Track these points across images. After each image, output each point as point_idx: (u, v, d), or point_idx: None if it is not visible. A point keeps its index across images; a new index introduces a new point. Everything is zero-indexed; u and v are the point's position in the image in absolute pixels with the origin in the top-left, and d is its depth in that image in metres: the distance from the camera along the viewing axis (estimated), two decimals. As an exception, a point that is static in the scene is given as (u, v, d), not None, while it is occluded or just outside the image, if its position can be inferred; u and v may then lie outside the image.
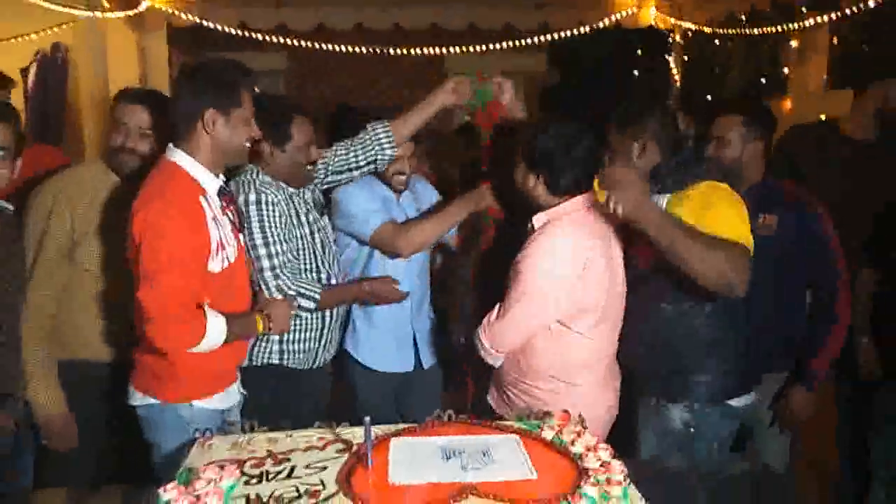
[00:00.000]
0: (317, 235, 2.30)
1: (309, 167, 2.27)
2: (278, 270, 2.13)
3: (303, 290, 2.15)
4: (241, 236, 1.98)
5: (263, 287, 2.12)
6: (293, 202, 2.26)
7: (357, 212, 2.39)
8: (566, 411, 1.76)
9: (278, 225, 2.16)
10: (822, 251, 2.25)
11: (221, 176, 1.92)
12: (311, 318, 2.28)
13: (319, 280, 2.28)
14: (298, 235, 2.24)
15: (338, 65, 7.20)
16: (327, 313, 2.31)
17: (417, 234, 2.35)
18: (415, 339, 2.50)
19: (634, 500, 1.35)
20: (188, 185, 1.81)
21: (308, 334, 2.29)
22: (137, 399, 1.90)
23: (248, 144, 1.90)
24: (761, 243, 1.94)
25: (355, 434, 1.65)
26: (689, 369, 2.00)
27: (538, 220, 1.99)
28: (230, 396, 1.99)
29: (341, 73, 7.42)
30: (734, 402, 2.02)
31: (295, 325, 2.23)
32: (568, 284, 1.90)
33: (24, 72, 5.05)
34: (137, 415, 1.92)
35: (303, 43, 5.79)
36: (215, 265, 1.82)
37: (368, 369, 2.47)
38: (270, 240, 2.13)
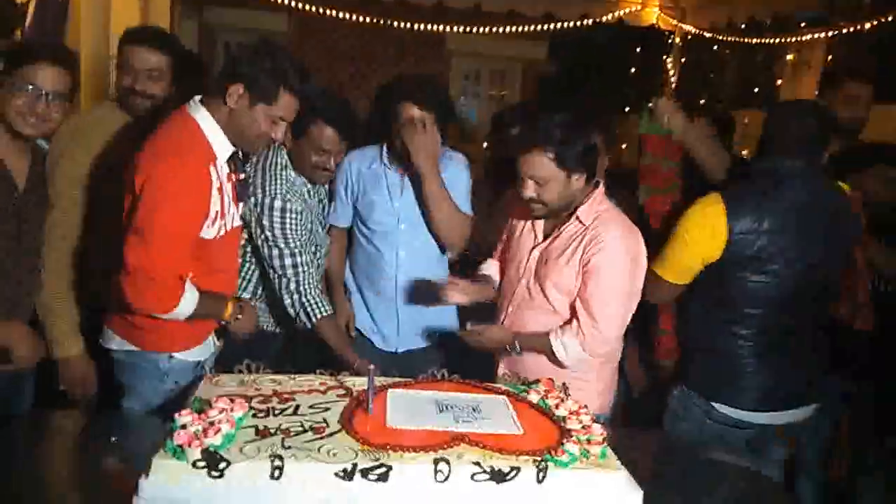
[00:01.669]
0: (318, 231, 2.39)
1: (323, 171, 2.30)
2: (302, 274, 2.22)
3: (311, 305, 2.23)
4: (241, 206, 2.03)
5: (283, 284, 2.22)
6: (310, 202, 2.34)
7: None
8: (550, 379, 1.89)
9: (301, 230, 2.24)
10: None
11: None
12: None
13: (317, 269, 2.35)
14: (312, 240, 2.32)
15: (340, 32, 7.19)
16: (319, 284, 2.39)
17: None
18: (398, 320, 2.44)
19: (612, 459, 1.48)
20: (203, 150, 1.80)
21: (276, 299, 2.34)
22: (115, 343, 1.95)
23: (267, 138, 1.89)
24: None
25: (355, 382, 1.76)
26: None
27: (586, 214, 1.98)
28: (207, 348, 2.05)
29: (342, 40, 7.41)
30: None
31: (264, 286, 2.34)
32: (643, 271, 1.99)
33: (22, 8, 4.99)
34: (112, 357, 1.97)
35: (307, 6, 5.80)
36: (210, 232, 1.84)
37: (360, 334, 2.53)
38: (296, 249, 2.21)
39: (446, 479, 1.37)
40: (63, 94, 1.81)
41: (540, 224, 2.10)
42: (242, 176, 2.00)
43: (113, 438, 1.61)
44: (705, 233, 2.00)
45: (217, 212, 1.84)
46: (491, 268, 2.34)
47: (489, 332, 2.06)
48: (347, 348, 2.29)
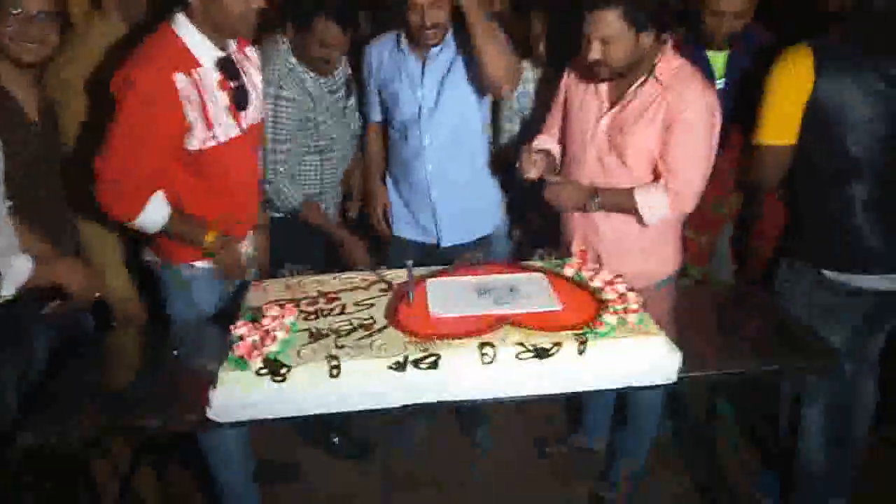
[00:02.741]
0: (321, 126, 2.32)
1: (325, 64, 2.24)
2: (277, 167, 2.23)
3: (284, 193, 2.28)
4: (244, 114, 1.93)
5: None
6: (311, 94, 2.27)
7: None
8: (583, 250, 1.93)
9: (289, 121, 2.21)
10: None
11: (233, 45, 1.90)
12: (307, 172, 2.37)
13: (319, 164, 2.37)
14: (305, 126, 2.28)
15: None
16: (325, 179, 2.41)
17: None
18: (434, 210, 2.37)
19: (649, 323, 1.54)
20: (169, 58, 1.75)
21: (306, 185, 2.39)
22: (148, 255, 2.04)
23: (250, 17, 1.80)
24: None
25: (395, 275, 1.82)
26: None
27: (664, 72, 1.89)
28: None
29: None
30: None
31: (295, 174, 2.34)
32: (719, 125, 1.92)
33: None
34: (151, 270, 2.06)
35: None
36: (193, 143, 1.80)
37: (395, 236, 2.50)
38: (279, 137, 2.21)
39: (492, 360, 1.45)
40: (52, 13, 1.75)
41: (603, 92, 1.99)
42: (236, 84, 1.90)
43: (174, 352, 1.72)
44: (792, 77, 1.86)
45: (197, 120, 1.79)
46: (547, 142, 2.23)
47: (565, 189, 2.00)
48: (335, 227, 2.40)
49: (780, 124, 1.89)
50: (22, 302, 1.53)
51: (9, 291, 1.47)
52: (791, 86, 1.84)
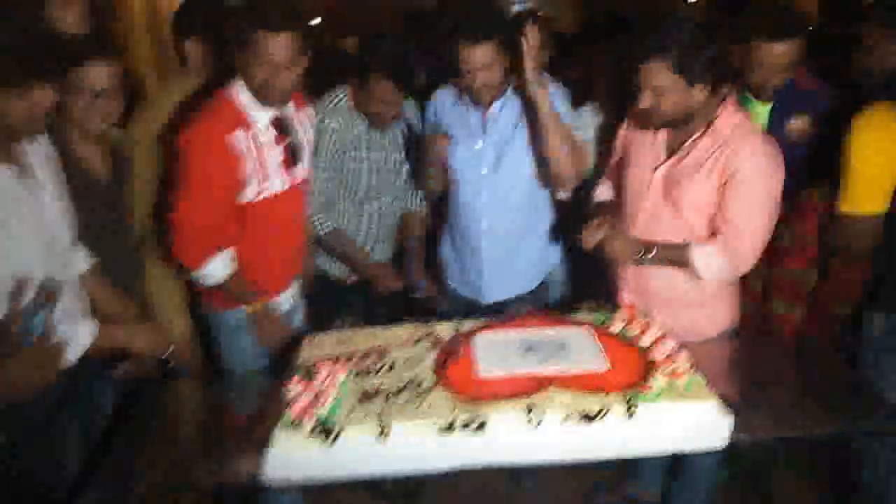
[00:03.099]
0: (364, 171, 2.39)
1: (387, 119, 2.32)
2: (315, 195, 2.30)
3: (316, 221, 2.34)
4: (296, 169, 2.08)
5: None
6: (359, 135, 2.35)
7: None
8: (632, 304, 1.91)
9: (330, 152, 2.30)
10: None
11: (291, 106, 2.04)
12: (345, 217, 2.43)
13: (360, 214, 2.44)
14: (348, 166, 2.36)
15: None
16: (362, 229, 2.47)
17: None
18: (482, 267, 2.35)
19: (699, 387, 1.52)
20: (226, 118, 1.90)
21: None
22: (202, 307, 2.17)
23: (268, 88, 1.89)
24: (795, 149, 2.06)
25: (442, 329, 1.85)
26: None
27: (723, 126, 1.87)
28: (281, 304, 2.19)
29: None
30: None
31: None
32: (781, 183, 1.88)
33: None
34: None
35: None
36: (248, 195, 1.96)
37: (445, 284, 2.52)
38: (319, 164, 2.29)
39: (539, 424, 1.46)
40: (117, 87, 1.86)
41: (661, 142, 1.98)
42: (289, 140, 2.04)
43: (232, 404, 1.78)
44: (882, 141, 1.82)
45: (254, 172, 1.95)
46: (607, 192, 2.25)
47: (619, 241, 1.95)
48: (359, 257, 2.43)
49: (872, 192, 1.85)
50: (88, 362, 1.61)
51: (73, 357, 1.55)
52: (882, 150, 1.80)
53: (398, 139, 2.49)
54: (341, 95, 2.35)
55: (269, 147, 1.99)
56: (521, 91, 2.18)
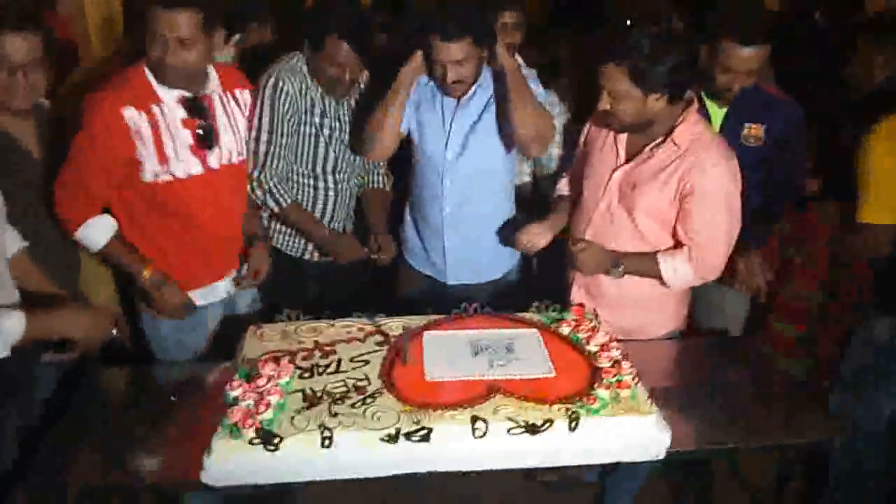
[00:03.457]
0: (322, 141, 2.28)
1: (340, 85, 2.21)
2: (265, 158, 2.16)
3: (273, 191, 2.20)
4: (211, 154, 1.96)
5: (249, 168, 2.16)
6: (314, 101, 2.24)
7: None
8: (580, 305, 1.92)
9: (284, 116, 2.17)
10: (798, 146, 2.26)
11: (211, 85, 1.95)
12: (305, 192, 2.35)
13: (315, 188, 2.33)
14: (304, 133, 2.26)
15: None
16: (318, 204, 2.36)
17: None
18: (444, 251, 2.33)
19: (641, 401, 1.55)
20: (132, 89, 1.83)
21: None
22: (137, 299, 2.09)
23: (165, 66, 1.81)
24: (748, 154, 2.05)
25: (392, 326, 1.83)
26: None
27: (682, 136, 1.86)
28: (212, 293, 2.10)
29: None
30: None
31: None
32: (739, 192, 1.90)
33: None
34: None
35: None
36: (147, 175, 1.87)
37: (405, 262, 2.48)
38: (270, 127, 2.15)
39: (484, 434, 1.46)
40: (38, 60, 1.74)
41: (622, 142, 1.97)
42: (201, 123, 1.93)
43: (172, 398, 1.74)
44: None
45: (149, 154, 1.85)
46: (566, 186, 2.25)
47: (588, 254, 1.95)
48: (319, 228, 2.34)
49: (892, 203, 1.92)
50: (20, 353, 1.54)
51: (3, 353, 1.48)
52: None
53: (353, 110, 2.38)
54: (297, 58, 2.24)
55: (175, 128, 1.88)
56: (493, 71, 2.16)
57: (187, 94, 1.90)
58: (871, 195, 1.93)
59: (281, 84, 2.17)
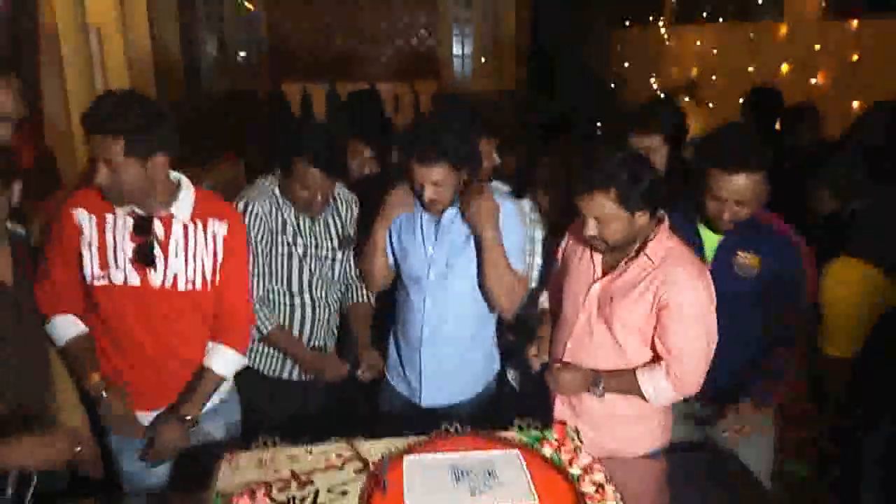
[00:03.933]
0: (295, 259, 2.32)
1: (315, 205, 2.26)
2: (252, 290, 2.20)
3: (256, 318, 2.24)
4: (152, 273, 1.95)
5: None
6: (286, 220, 2.30)
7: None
8: (563, 422, 1.91)
9: (255, 238, 2.24)
10: (798, 286, 2.14)
11: (179, 210, 1.98)
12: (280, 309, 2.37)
13: (291, 305, 2.36)
14: (277, 252, 2.31)
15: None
16: (296, 321, 2.38)
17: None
18: (420, 370, 2.32)
19: (626, 528, 1.51)
20: (90, 196, 1.93)
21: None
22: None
23: (132, 193, 1.88)
24: (738, 285, 2.03)
25: (372, 451, 1.79)
26: None
27: (654, 251, 1.90)
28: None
29: (322, 10, 7.16)
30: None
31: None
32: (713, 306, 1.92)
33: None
34: None
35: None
36: (87, 274, 1.93)
37: (386, 379, 2.46)
38: (253, 251, 2.22)
39: (466, 572, 1.41)
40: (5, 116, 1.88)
41: (598, 259, 2.01)
42: (143, 241, 1.95)
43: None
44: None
45: (92, 257, 1.92)
46: (547, 300, 2.28)
47: (567, 374, 1.99)
48: (304, 353, 2.37)
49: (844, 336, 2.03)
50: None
51: None
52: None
53: (331, 228, 2.42)
54: (269, 181, 2.31)
55: (121, 238, 1.94)
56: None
57: (138, 211, 1.94)
58: (827, 328, 1.98)
59: (250, 207, 2.24)
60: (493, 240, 2.15)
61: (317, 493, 1.63)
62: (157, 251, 1.95)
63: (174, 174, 1.99)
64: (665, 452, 2.08)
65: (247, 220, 2.22)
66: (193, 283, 2.01)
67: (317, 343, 2.43)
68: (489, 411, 2.34)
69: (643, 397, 1.94)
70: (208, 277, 2.02)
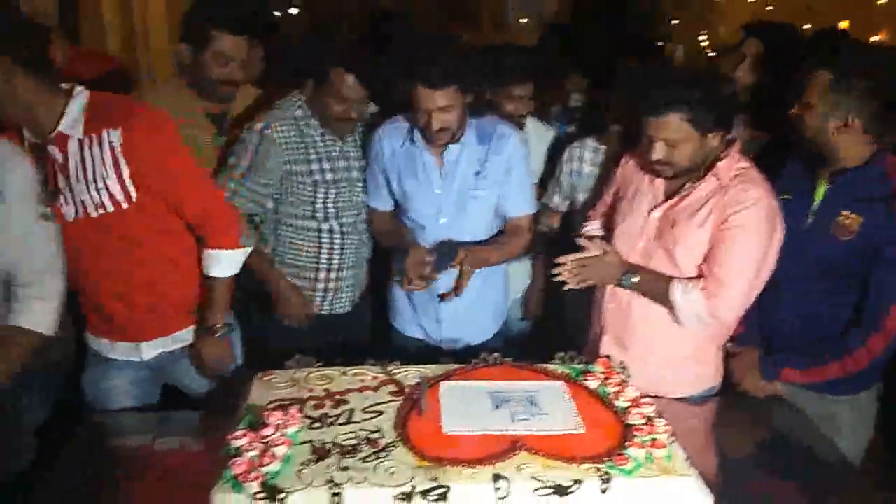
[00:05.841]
0: (321, 185, 2.19)
1: (347, 122, 2.15)
2: (234, 184, 2.11)
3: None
4: (63, 207, 1.79)
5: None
6: (311, 143, 2.17)
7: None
8: (608, 358, 1.81)
9: (263, 162, 2.11)
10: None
11: (73, 130, 1.73)
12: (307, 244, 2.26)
13: (318, 231, 2.24)
14: (300, 180, 2.17)
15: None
16: (323, 252, 2.27)
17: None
18: (438, 316, 2.23)
19: (678, 460, 1.42)
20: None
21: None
22: None
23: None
24: (835, 250, 1.79)
25: (407, 376, 1.72)
26: None
27: (725, 172, 1.79)
28: (124, 352, 1.99)
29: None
30: None
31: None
32: (780, 240, 1.80)
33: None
34: None
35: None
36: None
37: (396, 331, 2.37)
38: (242, 171, 2.12)
39: (507, 495, 1.34)
40: None
41: (660, 184, 1.91)
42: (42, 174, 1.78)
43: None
44: None
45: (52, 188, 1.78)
46: (596, 229, 2.16)
47: (602, 261, 1.87)
48: (277, 279, 2.25)
49: None
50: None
51: None
52: None
53: (359, 146, 2.29)
54: (295, 100, 2.18)
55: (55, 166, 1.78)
56: (481, 135, 2.10)
57: (33, 140, 1.76)
58: None
59: (268, 132, 2.11)
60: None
61: (351, 411, 1.57)
62: (62, 181, 1.77)
63: (67, 85, 1.77)
64: (713, 393, 1.98)
65: (261, 144, 2.10)
66: (104, 207, 1.78)
67: (344, 275, 2.33)
68: (519, 350, 2.26)
69: (674, 311, 1.83)
70: (119, 197, 1.77)
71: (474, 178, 2.11)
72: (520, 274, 2.58)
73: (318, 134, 2.19)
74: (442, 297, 2.14)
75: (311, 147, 2.18)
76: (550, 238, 2.53)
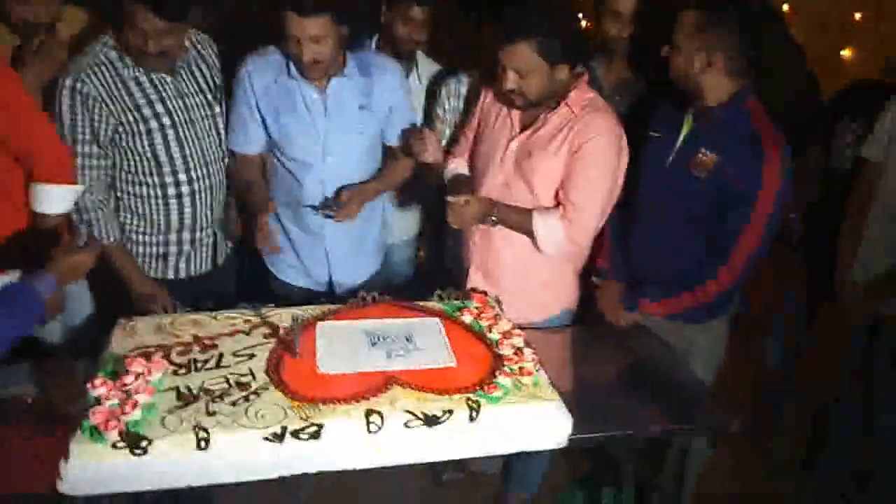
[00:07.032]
0: (158, 136, 1.92)
1: (149, 56, 1.84)
2: (85, 181, 1.89)
3: (95, 224, 1.93)
4: None
5: None
6: (136, 88, 1.89)
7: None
8: (484, 292, 1.86)
9: (86, 122, 1.85)
10: (748, 200, 1.80)
11: None
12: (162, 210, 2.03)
13: (164, 197, 1.98)
14: (129, 132, 1.90)
15: None
16: (172, 220, 2.04)
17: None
18: (327, 256, 2.16)
19: (544, 387, 1.49)
20: None
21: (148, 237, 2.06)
22: None
23: None
24: (690, 183, 1.85)
25: (281, 317, 1.69)
26: None
27: (575, 102, 1.85)
28: None
29: None
30: None
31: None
32: (625, 164, 1.91)
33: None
34: None
35: None
36: None
37: (279, 281, 2.24)
38: (75, 137, 1.86)
39: (379, 429, 1.36)
40: None
41: (516, 115, 1.94)
42: None
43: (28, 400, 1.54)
44: None
45: None
46: (461, 166, 2.16)
47: (470, 206, 1.87)
48: (140, 280, 2.03)
49: None
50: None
51: None
52: None
53: (198, 79, 2.01)
54: (104, 40, 1.88)
55: None
56: (363, 68, 2.02)
57: None
58: None
59: (78, 86, 1.83)
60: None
61: (221, 356, 1.53)
62: None
63: None
64: (574, 314, 2.10)
65: (74, 102, 1.83)
66: None
67: (205, 235, 2.12)
68: (403, 288, 2.27)
69: (533, 238, 1.91)
70: None
71: (358, 112, 2.04)
72: (407, 217, 2.57)
73: (141, 73, 1.90)
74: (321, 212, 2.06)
75: (137, 94, 1.90)
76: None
